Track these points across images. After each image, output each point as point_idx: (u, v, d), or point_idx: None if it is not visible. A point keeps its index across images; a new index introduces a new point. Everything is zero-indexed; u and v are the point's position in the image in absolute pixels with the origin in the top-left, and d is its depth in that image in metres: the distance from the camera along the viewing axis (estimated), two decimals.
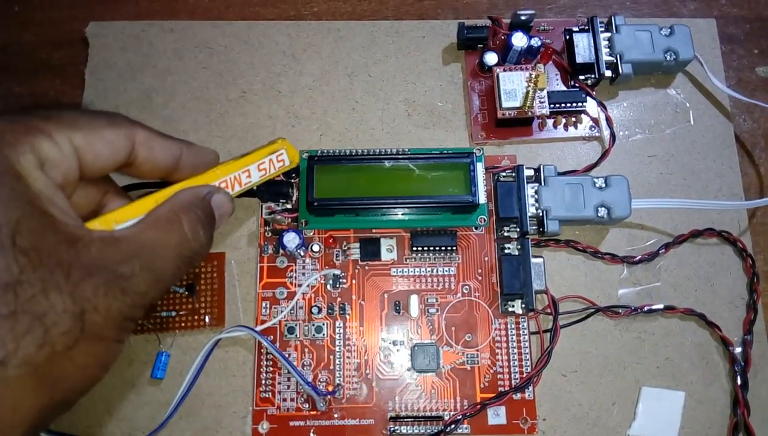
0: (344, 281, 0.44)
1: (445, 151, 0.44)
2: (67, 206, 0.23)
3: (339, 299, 0.43)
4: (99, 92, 0.49)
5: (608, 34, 0.47)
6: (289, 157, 0.35)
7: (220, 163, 0.31)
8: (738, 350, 0.43)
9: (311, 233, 0.44)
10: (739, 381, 0.42)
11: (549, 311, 0.43)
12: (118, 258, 0.23)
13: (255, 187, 0.42)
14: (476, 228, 0.44)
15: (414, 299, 0.43)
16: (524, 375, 0.42)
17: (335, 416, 0.41)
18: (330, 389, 0.41)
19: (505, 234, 0.44)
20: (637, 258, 0.44)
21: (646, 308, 0.43)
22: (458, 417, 0.41)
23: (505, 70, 0.46)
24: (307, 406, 0.41)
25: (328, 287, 0.43)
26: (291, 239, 0.42)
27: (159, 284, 0.24)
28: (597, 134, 0.47)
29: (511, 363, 0.42)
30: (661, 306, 0.43)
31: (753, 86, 0.50)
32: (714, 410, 0.42)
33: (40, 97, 0.49)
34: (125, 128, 0.26)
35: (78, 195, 0.26)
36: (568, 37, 0.48)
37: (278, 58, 0.49)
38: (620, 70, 0.46)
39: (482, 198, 0.43)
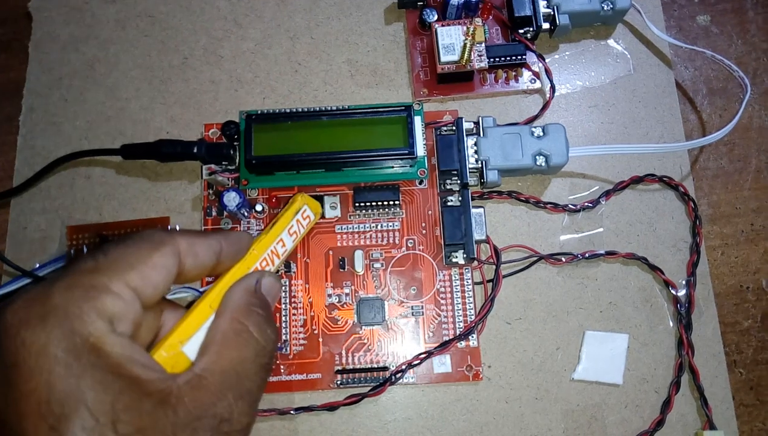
0: None
1: (384, 106, 0.44)
2: (147, 358, 0.22)
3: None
4: (43, 65, 0.49)
5: None
6: (312, 211, 0.33)
7: (254, 241, 0.30)
8: (682, 292, 0.44)
9: (255, 194, 0.44)
10: (683, 322, 0.43)
11: (492, 260, 0.43)
12: (212, 399, 0.22)
13: (195, 150, 0.43)
14: (419, 182, 0.44)
15: (359, 255, 0.43)
16: (468, 324, 0.42)
17: (282, 371, 0.41)
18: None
19: (448, 187, 0.44)
20: (579, 206, 0.45)
21: (587, 254, 0.43)
22: (404, 367, 0.41)
23: (443, 26, 0.46)
24: None
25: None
26: (231, 198, 0.42)
27: (254, 405, 0.24)
28: (538, 87, 0.47)
29: (456, 313, 0.42)
30: (602, 251, 0.44)
31: (694, 35, 0.50)
32: (659, 351, 0.43)
33: None
34: (169, 245, 0.24)
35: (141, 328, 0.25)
36: None
37: (220, 23, 0.49)
38: (558, 22, 0.46)
39: (421, 150, 0.43)
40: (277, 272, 0.29)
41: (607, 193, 0.45)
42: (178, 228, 0.44)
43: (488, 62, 0.46)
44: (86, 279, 0.22)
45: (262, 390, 0.24)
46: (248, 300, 0.26)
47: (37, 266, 0.43)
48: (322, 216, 0.44)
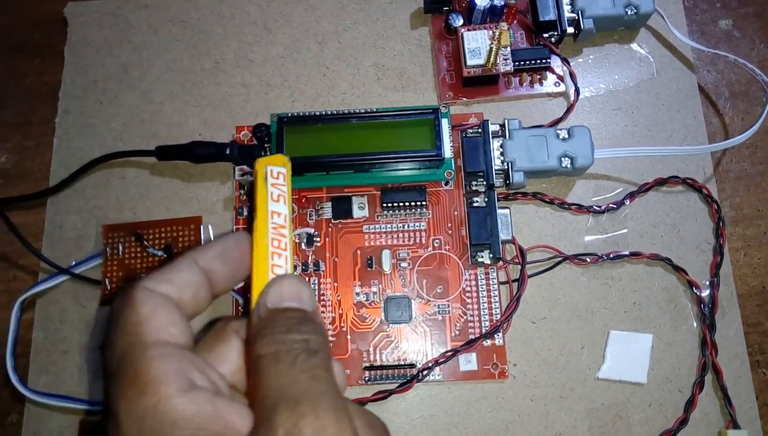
0: (318, 239, 0.45)
1: (412, 109, 0.45)
2: (231, 405, 0.21)
3: (313, 257, 0.44)
4: (78, 69, 0.50)
5: None
6: (279, 165, 0.29)
7: (253, 233, 0.27)
8: (705, 292, 0.44)
9: None
10: (706, 322, 0.43)
11: (517, 260, 0.44)
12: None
13: (227, 151, 0.44)
14: (445, 184, 0.45)
15: (386, 254, 0.44)
16: (494, 323, 0.43)
17: None
18: None
19: (473, 188, 0.45)
20: (603, 207, 0.45)
21: (612, 255, 0.44)
22: (430, 364, 0.42)
23: (469, 30, 0.47)
24: None
25: (303, 245, 0.45)
26: None
27: (337, 408, 0.21)
28: (562, 90, 0.48)
29: (481, 312, 0.43)
30: (627, 252, 0.44)
31: (716, 39, 0.51)
32: (682, 351, 0.43)
33: (20, 76, 0.51)
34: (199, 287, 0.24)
35: None
36: None
37: (250, 28, 0.50)
38: (582, 26, 0.47)
39: (448, 152, 0.44)
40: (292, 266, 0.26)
41: (632, 195, 0.45)
42: (210, 228, 0.45)
43: (513, 66, 0.47)
44: (144, 369, 0.21)
45: (335, 389, 0.22)
46: (254, 333, 0.23)
47: (73, 263, 0.45)
48: (350, 215, 0.45)
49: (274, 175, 0.28)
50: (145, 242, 0.44)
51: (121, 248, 0.44)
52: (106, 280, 0.44)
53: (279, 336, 0.22)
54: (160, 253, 0.44)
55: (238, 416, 0.21)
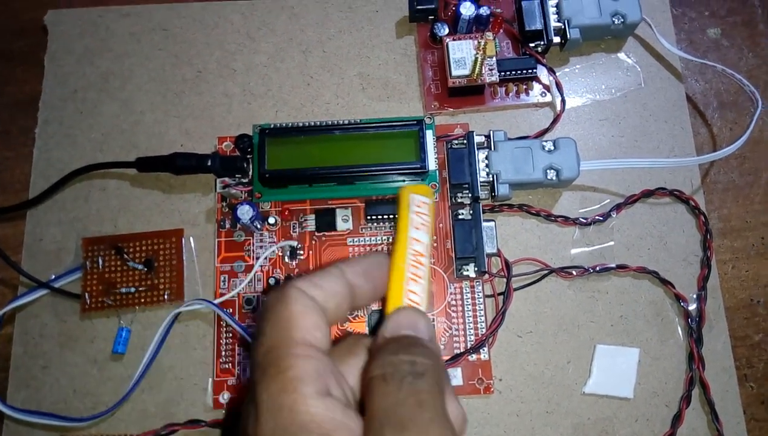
0: (301, 252, 0.44)
1: (396, 120, 0.44)
2: (358, 418, 0.21)
3: (297, 270, 0.44)
4: (58, 78, 0.49)
5: (556, 1, 0.47)
6: (422, 195, 0.29)
7: (391, 256, 0.27)
8: (692, 305, 0.44)
9: (268, 207, 0.45)
10: (693, 336, 0.43)
11: (503, 273, 0.43)
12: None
13: (209, 163, 0.44)
14: None
15: None
16: (480, 337, 0.42)
17: None
18: None
19: (458, 200, 0.44)
20: (590, 219, 0.45)
21: (598, 268, 0.44)
22: None
23: (454, 40, 0.46)
24: None
25: (286, 258, 0.44)
26: (245, 212, 0.42)
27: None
28: (548, 100, 0.48)
29: (467, 326, 0.43)
30: (613, 265, 0.44)
31: (704, 48, 0.50)
32: (669, 365, 0.43)
33: (1, 84, 0.50)
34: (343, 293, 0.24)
35: None
36: (517, 5, 0.48)
37: (233, 37, 0.50)
38: (568, 36, 0.47)
39: (432, 164, 0.43)
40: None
41: (618, 207, 0.45)
42: (192, 240, 0.45)
43: (499, 76, 0.46)
44: (289, 379, 0.21)
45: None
46: (370, 356, 0.24)
47: (53, 277, 0.44)
48: (334, 228, 0.44)
49: (418, 204, 0.29)
50: (126, 256, 0.43)
51: (101, 261, 0.44)
52: (86, 294, 0.43)
53: (388, 358, 0.22)
54: (140, 266, 0.43)
55: (360, 431, 0.21)
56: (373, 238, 0.44)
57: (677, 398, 0.42)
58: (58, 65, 0.50)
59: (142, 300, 0.43)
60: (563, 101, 0.47)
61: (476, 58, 0.45)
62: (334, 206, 0.45)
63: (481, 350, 0.42)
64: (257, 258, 0.44)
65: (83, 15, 0.51)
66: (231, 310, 0.43)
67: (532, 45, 0.48)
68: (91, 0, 0.52)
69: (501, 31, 0.49)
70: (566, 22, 0.47)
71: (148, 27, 0.50)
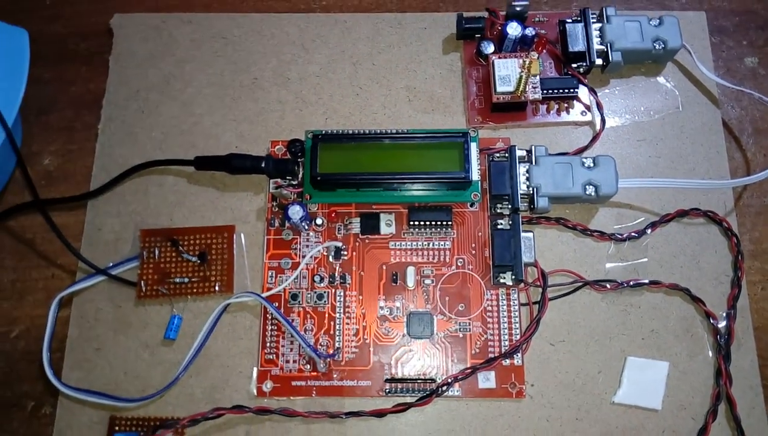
0: (345, 253, 0.46)
1: (442, 132, 0.46)
2: None
3: (340, 270, 0.46)
4: (122, 78, 0.52)
5: (599, 25, 0.49)
6: None
7: None
8: (722, 323, 0.45)
9: (315, 208, 0.47)
10: (722, 353, 0.44)
11: (538, 283, 0.45)
12: None
13: (263, 165, 0.46)
14: (471, 205, 0.47)
15: (410, 271, 0.46)
16: (514, 343, 0.44)
17: (335, 377, 0.44)
18: (330, 351, 0.44)
19: (498, 211, 0.46)
20: (625, 235, 0.46)
21: (632, 283, 0.45)
22: (449, 380, 0.43)
23: (500, 58, 0.49)
24: (309, 367, 0.44)
25: (330, 258, 0.46)
26: (296, 212, 0.44)
27: None
28: (588, 119, 0.50)
29: (501, 332, 0.44)
30: (646, 281, 0.45)
31: (741, 75, 0.52)
32: (697, 380, 0.44)
33: (68, 83, 0.53)
34: None
35: None
36: (561, 27, 0.50)
37: (288, 47, 0.53)
38: (610, 58, 0.48)
39: (475, 175, 0.45)
40: None
41: (653, 225, 0.47)
42: (243, 236, 0.47)
43: (542, 94, 0.48)
44: None
45: None
46: None
47: (110, 264, 0.46)
48: (377, 232, 0.46)
49: None
50: (181, 248, 0.46)
51: (157, 252, 0.46)
52: (142, 282, 0.46)
53: None
54: (194, 259, 0.46)
55: None
56: (414, 242, 0.46)
57: (704, 412, 0.43)
58: (122, 66, 0.53)
59: (195, 290, 0.46)
60: (603, 121, 0.48)
61: (521, 76, 0.47)
62: (378, 211, 0.47)
63: (514, 356, 0.44)
64: (303, 256, 0.46)
65: (147, 20, 0.54)
66: (277, 303, 0.45)
67: (574, 66, 0.50)
68: (154, 6, 0.55)
69: (545, 51, 0.51)
70: (609, 45, 0.49)
71: (209, 34, 0.53)
